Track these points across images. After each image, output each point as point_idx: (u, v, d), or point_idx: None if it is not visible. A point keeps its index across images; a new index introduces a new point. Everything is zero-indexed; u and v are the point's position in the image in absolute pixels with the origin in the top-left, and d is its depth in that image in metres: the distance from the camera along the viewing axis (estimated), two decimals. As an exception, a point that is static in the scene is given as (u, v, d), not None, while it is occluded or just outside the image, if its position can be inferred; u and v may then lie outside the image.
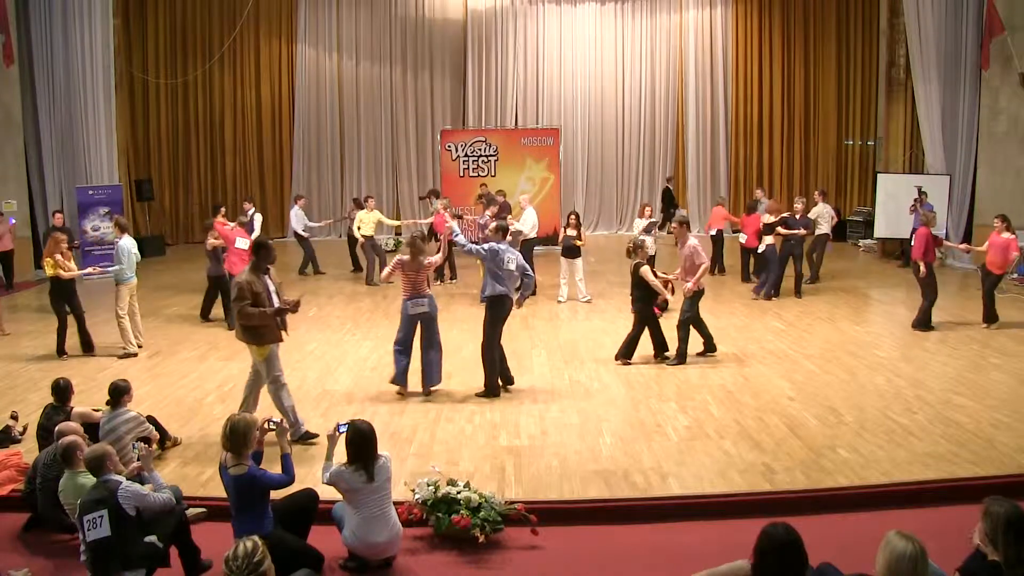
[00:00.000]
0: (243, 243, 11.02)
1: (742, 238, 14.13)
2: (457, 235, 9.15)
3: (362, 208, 14.94)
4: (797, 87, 20.61)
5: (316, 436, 7.10)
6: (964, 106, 15.90)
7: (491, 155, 18.27)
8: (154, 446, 6.39)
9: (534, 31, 20.79)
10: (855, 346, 10.08)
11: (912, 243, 10.71)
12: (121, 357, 9.85)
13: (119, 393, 6.45)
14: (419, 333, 8.27)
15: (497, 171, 18.22)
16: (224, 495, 5.17)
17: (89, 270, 11.13)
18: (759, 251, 13.26)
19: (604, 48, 20.82)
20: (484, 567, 5.30)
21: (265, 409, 7.00)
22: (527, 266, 8.53)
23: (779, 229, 12.83)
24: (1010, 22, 14.63)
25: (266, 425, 5.25)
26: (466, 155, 18.25)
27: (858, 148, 20.50)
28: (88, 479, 5.09)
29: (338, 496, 5.26)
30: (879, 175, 17.95)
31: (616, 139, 21.05)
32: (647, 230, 12.88)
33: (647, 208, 13.36)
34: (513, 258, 8.27)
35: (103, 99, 16.09)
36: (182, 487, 5.80)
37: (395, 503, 5.34)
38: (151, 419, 6.81)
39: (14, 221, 14.47)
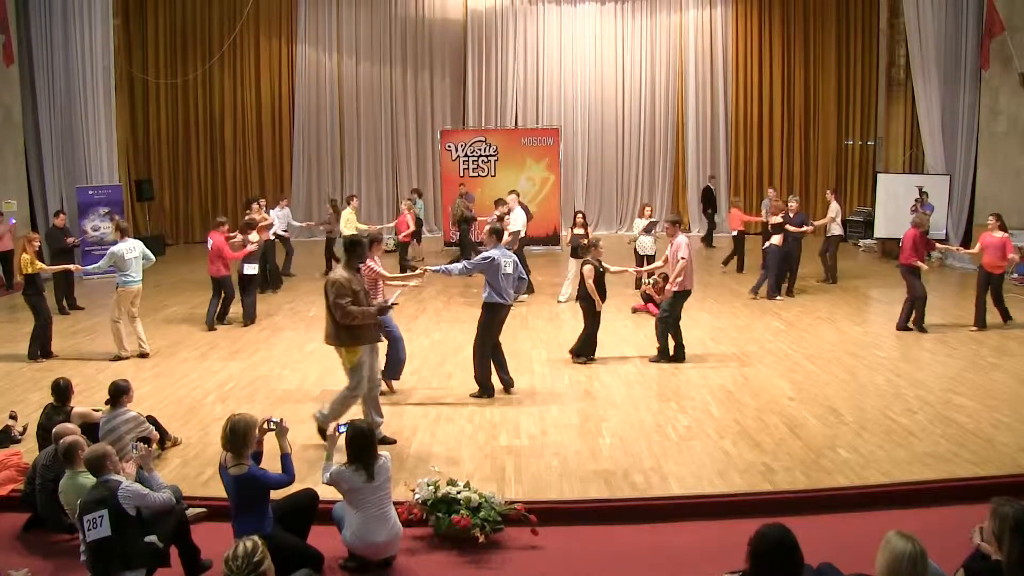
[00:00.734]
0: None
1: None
2: (439, 268, 8.53)
3: (338, 210, 15.03)
4: (797, 87, 20.62)
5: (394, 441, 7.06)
6: (964, 106, 15.90)
7: (491, 155, 18.28)
8: (154, 446, 6.39)
9: (534, 31, 20.80)
10: (855, 346, 10.08)
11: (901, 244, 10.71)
12: (113, 360, 9.81)
13: (119, 393, 6.45)
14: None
15: (497, 171, 18.23)
16: (224, 495, 5.16)
17: (71, 268, 11.18)
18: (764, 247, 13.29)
19: (604, 48, 20.83)
20: (484, 567, 5.30)
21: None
22: (523, 270, 8.47)
23: (789, 227, 12.85)
24: (1010, 22, 14.63)
25: (266, 425, 5.24)
26: (466, 155, 18.25)
27: (858, 148, 20.49)
28: (88, 479, 5.09)
29: (338, 496, 5.26)
30: (879, 175, 17.95)
31: (616, 139, 21.05)
32: (647, 230, 12.89)
33: (647, 208, 13.37)
34: (510, 261, 8.20)
35: (103, 99, 16.09)
36: (182, 487, 5.81)
37: (395, 503, 5.34)
38: (151, 419, 6.82)
39: (14, 221, 14.46)
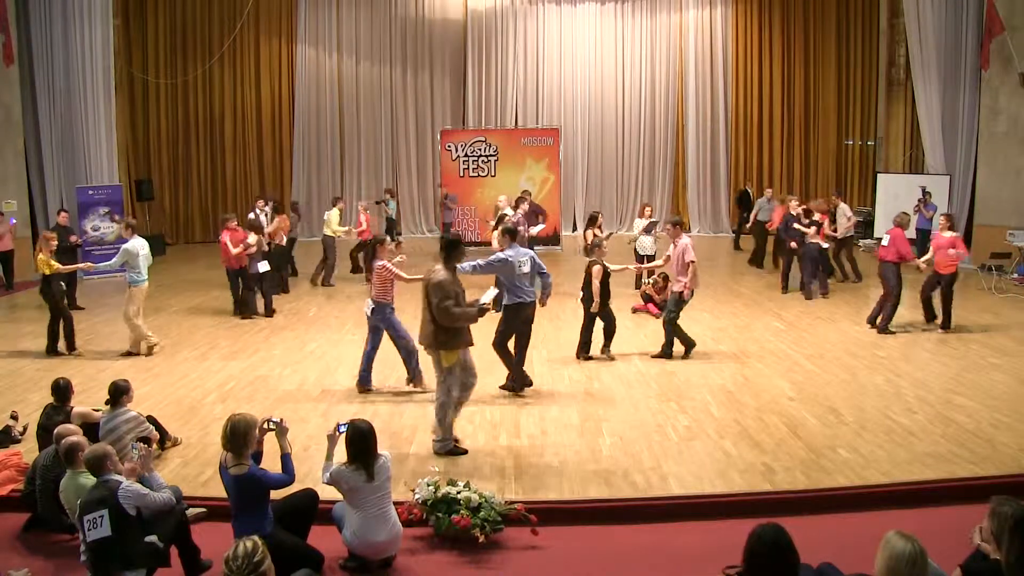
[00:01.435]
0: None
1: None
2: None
3: (300, 212, 15.16)
4: (797, 87, 20.62)
5: (465, 452, 6.92)
6: (964, 106, 15.91)
7: (491, 155, 18.28)
8: (154, 446, 6.40)
9: (534, 31, 20.80)
10: (855, 346, 10.08)
11: (884, 243, 10.70)
12: (124, 355, 9.88)
13: (119, 393, 6.45)
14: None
15: (497, 171, 18.24)
16: (224, 495, 5.16)
17: (83, 266, 11.17)
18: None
19: (604, 48, 20.83)
20: (484, 567, 5.30)
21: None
22: (542, 264, 8.30)
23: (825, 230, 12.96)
24: (1010, 22, 14.63)
25: (266, 425, 5.24)
26: (466, 155, 18.26)
27: (858, 148, 20.51)
28: (88, 479, 5.09)
29: (338, 496, 5.26)
30: (879, 175, 17.97)
31: (616, 139, 21.05)
32: (647, 230, 12.89)
33: (647, 208, 13.37)
34: (526, 260, 8.09)
35: (103, 99, 16.09)
36: (182, 487, 5.80)
37: (395, 503, 5.34)
38: (151, 419, 6.81)
39: (14, 221, 14.47)
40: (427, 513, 5.63)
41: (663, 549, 5.48)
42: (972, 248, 15.76)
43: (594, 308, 9.29)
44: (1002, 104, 15.17)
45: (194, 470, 6.53)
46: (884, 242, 10.70)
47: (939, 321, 10.70)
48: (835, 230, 13.64)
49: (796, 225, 12.93)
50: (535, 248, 10.89)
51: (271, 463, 5.27)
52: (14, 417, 7.37)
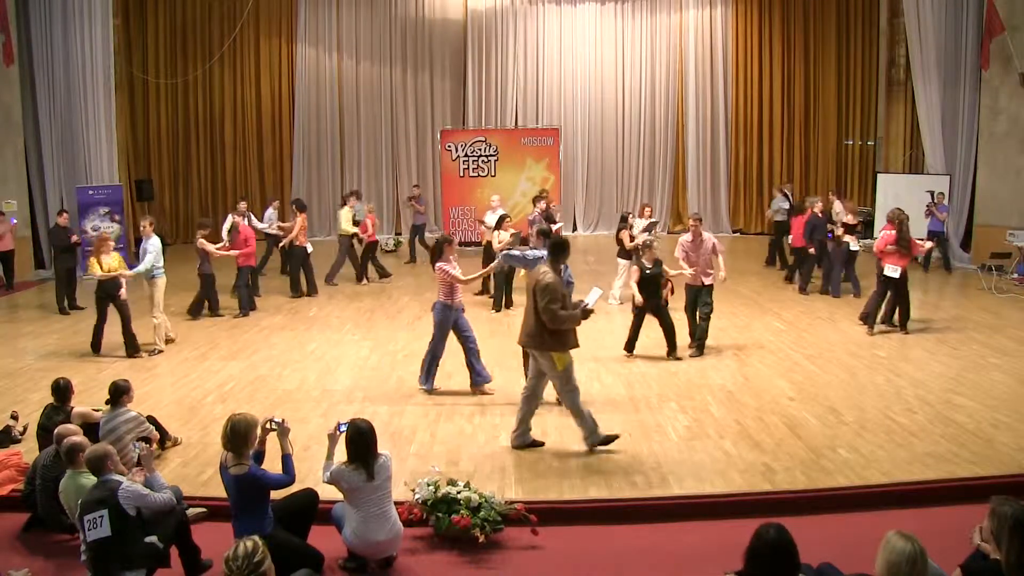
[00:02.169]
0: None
1: (789, 238, 14.32)
2: (517, 253, 8.45)
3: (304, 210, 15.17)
4: (797, 87, 20.61)
5: (615, 438, 6.93)
6: (964, 106, 15.91)
7: (491, 155, 18.28)
8: (154, 446, 6.40)
9: (534, 31, 20.79)
10: (855, 346, 10.08)
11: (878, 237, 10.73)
12: (155, 354, 9.98)
13: (119, 393, 6.45)
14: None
15: (497, 171, 18.24)
16: (224, 495, 5.17)
17: (127, 274, 10.28)
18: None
19: (604, 48, 20.81)
20: (484, 567, 5.30)
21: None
22: (571, 274, 8.21)
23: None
24: (1010, 22, 14.63)
25: (268, 425, 5.24)
26: (466, 155, 18.26)
27: (858, 148, 20.49)
28: (89, 479, 5.09)
29: (338, 496, 5.26)
30: (879, 175, 17.96)
31: (616, 139, 21.04)
32: (647, 230, 12.87)
33: (647, 208, 13.35)
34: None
35: (103, 99, 16.07)
36: (182, 487, 5.79)
37: (395, 503, 5.33)
38: (151, 419, 6.81)
39: (15, 221, 14.47)
40: (427, 513, 5.64)
41: (663, 549, 5.49)
42: (972, 248, 15.80)
43: (637, 302, 9.52)
44: (1002, 104, 15.17)
45: (194, 470, 6.53)
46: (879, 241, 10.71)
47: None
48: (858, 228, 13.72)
49: (830, 226, 13.02)
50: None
51: (272, 463, 5.27)
52: (14, 417, 7.37)
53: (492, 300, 12.37)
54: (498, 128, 19.67)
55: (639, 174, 21.08)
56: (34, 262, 15.37)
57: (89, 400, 7.58)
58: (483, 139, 18.39)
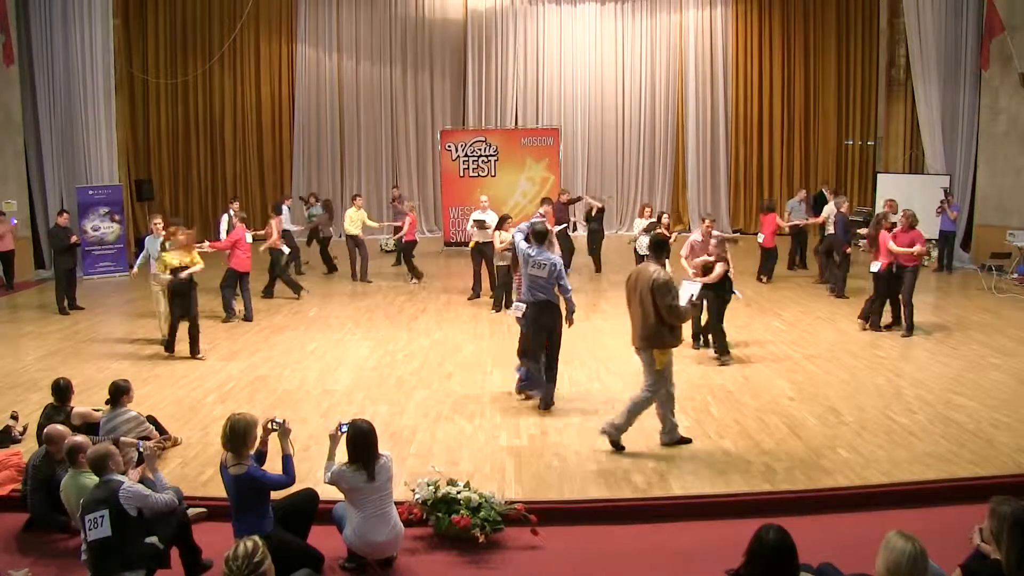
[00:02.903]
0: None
1: (759, 238, 14.29)
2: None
3: (332, 209, 15.21)
4: (797, 87, 20.62)
5: (689, 440, 6.97)
6: (964, 106, 15.92)
7: (491, 155, 18.28)
8: (161, 445, 6.39)
9: (534, 31, 20.79)
10: (855, 346, 10.08)
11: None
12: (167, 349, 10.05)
13: (119, 393, 6.45)
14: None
15: (497, 171, 18.24)
16: (224, 495, 5.17)
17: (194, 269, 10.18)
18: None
19: (604, 48, 20.82)
20: (484, 567, 5.30)
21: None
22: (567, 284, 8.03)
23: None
24: (1010, 22, 14.63)
25: (269, 425, 5.24)
26: (466, 155, 18.26)
27: (858, 148, 20.50)
28: (90, 479, 5.09)
29: (339, 496, 5.26)
30: (879, 175, 17.96)
31: (616, 139, 21.04)
32: (647, 230, 12.87)
33: (647, 208, 13.37)
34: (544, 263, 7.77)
35: (103, 99, 16.07)
36: (182, 487, 5.79)
37: (395, 503, 5.33)
38: (151, 419, 6.82)
39: (15, 221, 14.48)
40: (427, 513, 5.64)
41: (663, 549, 5.49)
42: (972, 248, 15.80)
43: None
44: (1002, 104, 15.18)
45: (194, 470, 6.54)
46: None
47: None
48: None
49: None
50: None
51: (273, 464, 5.27)
52: (14, 417, 7.37)
53: (492, 300, 12.38)
54: (498, 128, 19.67)
55: (639, 174, 21.09)
56: (34, 262, 15.36)
57: (89, 400, 7.58)
58: (483, 139, 18.39)
